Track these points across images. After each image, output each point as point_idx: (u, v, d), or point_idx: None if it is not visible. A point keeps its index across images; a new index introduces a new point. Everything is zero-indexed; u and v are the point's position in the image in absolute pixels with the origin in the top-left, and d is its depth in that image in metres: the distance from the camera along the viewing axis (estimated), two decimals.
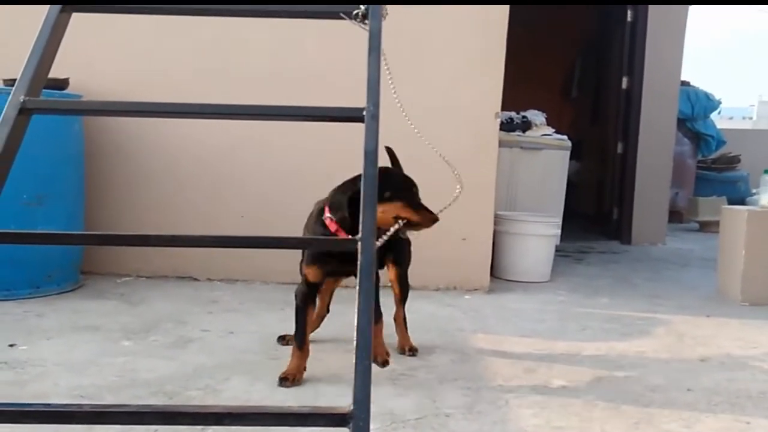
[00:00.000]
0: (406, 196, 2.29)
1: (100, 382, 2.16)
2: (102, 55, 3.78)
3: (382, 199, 2.17)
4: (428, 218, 2.28)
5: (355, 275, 1.33)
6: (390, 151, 2.72)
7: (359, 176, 2.21)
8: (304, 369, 2.27)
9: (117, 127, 3.79)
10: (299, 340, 2.29)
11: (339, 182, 2.92)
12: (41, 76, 1.58)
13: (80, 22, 1.88)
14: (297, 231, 2.76)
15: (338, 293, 2.84)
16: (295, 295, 2.34)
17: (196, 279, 3.78)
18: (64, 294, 3.34)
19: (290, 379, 2.22)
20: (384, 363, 2.41)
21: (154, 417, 1.26)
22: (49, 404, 1.38)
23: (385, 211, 2.20)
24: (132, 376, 2.22)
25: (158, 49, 3.79)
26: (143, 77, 3.77)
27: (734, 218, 3.89)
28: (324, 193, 2.88)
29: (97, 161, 3.74)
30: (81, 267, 3.60)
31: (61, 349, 2.48)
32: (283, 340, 2.68)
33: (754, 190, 8.44)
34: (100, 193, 3.78)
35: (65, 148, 3.40)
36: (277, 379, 2.21)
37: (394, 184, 2.29)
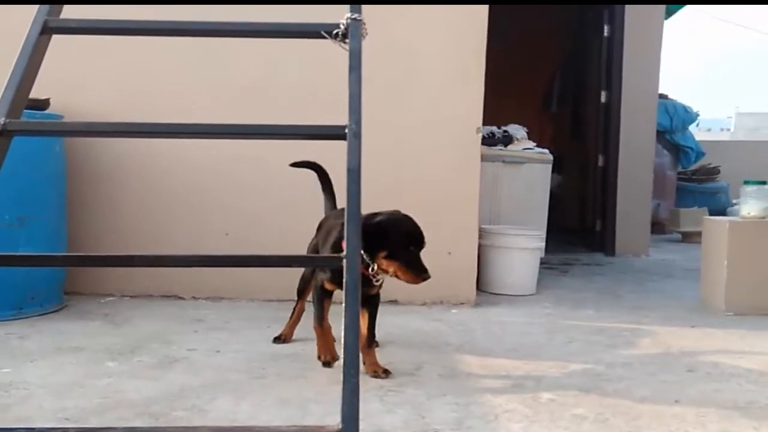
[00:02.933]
0: (403, 256, 2.40)
1: (85, 404, 2.13)
2: (83, 76, 3.77)
3: (380, 255, 2.36)
4: (418, 278, 2.40)
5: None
6: (317, 168, 2.88)
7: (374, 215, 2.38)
8: (334, 341, 2.55)
9: (99, 146, 3.77)
10: (320, 321, 2.54)
11: (323, 200, 2.95)
12: (22, 98, 1.58)
13: (61, 42, 1.88)
14: (282, 248, 2.76)
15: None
16: (313, 293, 2.61)
17: (181, 298, 3.75)
18: (48, 315, 3.30)
19: (330, 359, 2.52)
20: (385, 372, 2.49)
21: None
22: (33, 428, 1.36)
23: (381, 265, 2.38)
24: (117, 398, 2.19)
25: (140, 68, 3.79)
26: (125, 97, 3.76)
27: (716, 229, 3.93)
28: (309, 211, 2.90)
29: (79, 181, 3.72)
30: (64, 287, 3.56)
31: (44, 371, 2.45)
32: (278, 340, 2.91)
33: (734, 201, 8.54)
34: (83, 213, 3.75)
35: (46, 168, 3.37)
36: (269, 390, 2.20)
37: (395, 241, 2.39)
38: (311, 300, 2.65)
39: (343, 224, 2.46)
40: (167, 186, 3.80)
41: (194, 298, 3.75)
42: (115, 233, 3.79)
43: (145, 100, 3.75)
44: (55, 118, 3.37)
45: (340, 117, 1.56)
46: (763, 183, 3.93)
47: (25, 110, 1.60)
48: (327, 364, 2.51)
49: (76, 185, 3.69)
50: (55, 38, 1.71)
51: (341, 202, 2.81)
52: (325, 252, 2.54)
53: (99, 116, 3.61)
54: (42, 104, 3.38)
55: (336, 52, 1.73)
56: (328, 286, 2.54)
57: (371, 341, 2.56)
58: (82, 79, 3.77)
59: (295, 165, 2.90)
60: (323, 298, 2.56)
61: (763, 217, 3.87)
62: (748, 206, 3.89)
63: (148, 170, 3.80)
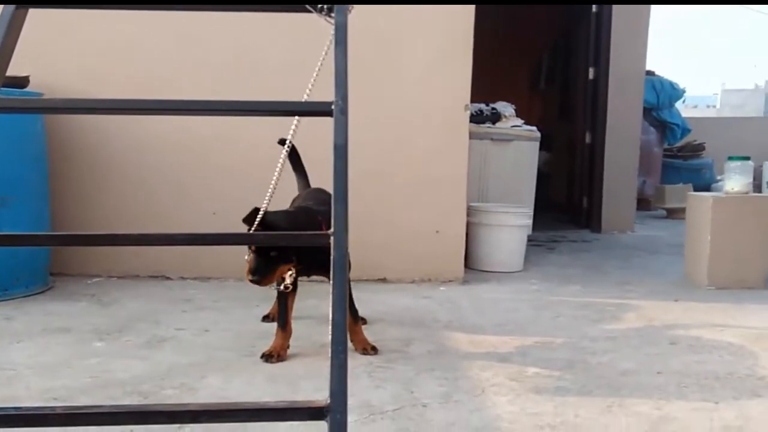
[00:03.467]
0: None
1: (73, 384, 2.13)
2: (63, 52, 3.72)
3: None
4: None
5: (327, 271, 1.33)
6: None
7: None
8: (288, 347, 2.44)
9: (81, 125, 3.74)
10: (282, 322, 2.46)
11: (310, 176, 2.93)
12: None
13: (39, 17, 1.85)
14: None
15: (313, 288, 2.84)
16: (277, 283, 2.49)
17: (168, 278, 3.75)
18: (33, 296, 3.29)
19: (275, 355, 2.38)
20: (373, 349, 2.50)
21: (129, 417, 1.25)
22: (20, 407, 1.36)
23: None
24: (105, 377, 2.20)
25: (121, 44, 3.74)
26: (106, 74, 3.72)
27: (700, 205, 3.96)
28: (295, 189, 2.87)
29: (62, 160, 3.69)
30: (50, 268, 3.54)
31: (31, 352, 2.45)
32: (267, 318, 2.89)
33: (718, 177, 8.59)
34: (67, 192, 3.73)
35: (27, 147, 3.34)
36: (259, 367, 2.21)
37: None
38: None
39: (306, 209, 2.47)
40: (152, 165, 3.78)
41: (182, 278, 3.75)
42: (100, 213, 3.76)
43: (127, 76, 3.71)
44: (35, 95, 3.33)
45: (326, 95, 1.55)
46: (747, 159, 3.96)
47: (3, 88, 1.57)
48: (268, 357, 2.38)
49: (59, 165, 3.66)
50: (33, 13, 1.68)
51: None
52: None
53: (80, 94, 3.57)
54: (21, 81, 3.34)
55: (322, 27, 1.71)
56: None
57: (355, 318, 2.56)
58: (62, 57, 3.72)
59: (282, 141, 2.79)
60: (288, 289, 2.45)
61: (746, 193, 3.91)
62: (732, 182, 3.92)
63: (131, 149, 3.77)
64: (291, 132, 1.90)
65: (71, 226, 3.67)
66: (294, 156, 2.83)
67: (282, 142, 2.79)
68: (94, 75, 3.72)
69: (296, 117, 1.75)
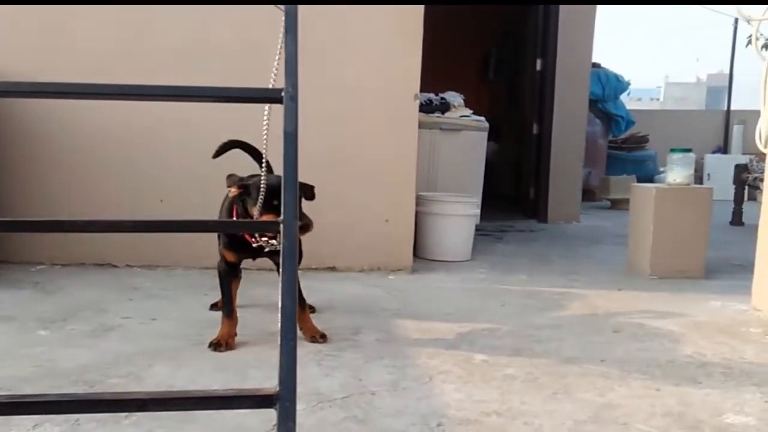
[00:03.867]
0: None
1: (17, 373, 2.09)
2: (9, 34, 3.61)
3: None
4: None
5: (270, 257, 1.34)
6: (240, 145, 2.71)
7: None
8: (235, 335, 2.43)
9: (26, 108, 3.64)
10: (227, 310, 2.46)
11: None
12: None
13: None
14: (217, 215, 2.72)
15: (262, 277, 2.84)
16: (218, 271, 2.51)
17: (115, 266, 3.69)
18: None
19: (223, 344, 2.37)
20: (323, 337, 2.51)
21: (75, 405, 1.24)
22: None
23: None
24: (50, 366, 2.16)
25: (71, 27, 3.65)
26: (54, 56, 3.63)
27: (643, 195, 4.06)
28: (245, 173, 2.84)
29: (6, 145, 3.59)
30: None
31: None
32: (215, 307, 2.84)
33: (661, 169, 8.82)
34: (10, 179, 3.63)
35: None
36: (207, 356, 2.20)
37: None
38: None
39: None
40: (99, 152, 3.71)
41: (129, 266, 3.69)
42: (45, 200, 3.68)
43: (76, 60, 3.63)
44: None
45: (278, 83, 1.55)
46: (688, 151, 4.07)
47: None
48: (216, 347, 2.36)
49: (2, 150, 3.56)
50: None
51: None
52: (223, 218, 2.51)
53: (27, 77, 3.47)
54: None
55: (272, 14, 1.71)
56: (229, 256, 2.48)
57: (303, 305, 2.56)
58: (7, 39, 3.61)
59: (217, 154, 2.67)
60: (229, 275, 2.48)
61: (688, 184, 4.02)
62: (674, 173, 4.03)
63: (79, 134, 3.69)
64: (265, 119, 1.82)
65: (14, 212, 3.58)
66: (251, 150, 2.74)
67: (225, 148, 2.71)
68: (41, 57, 3.62)
69: (267, 105, 1.72)
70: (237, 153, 2.69)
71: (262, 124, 1.59)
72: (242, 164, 2.64)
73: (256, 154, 2.71)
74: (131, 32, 3.68)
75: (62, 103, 3.55)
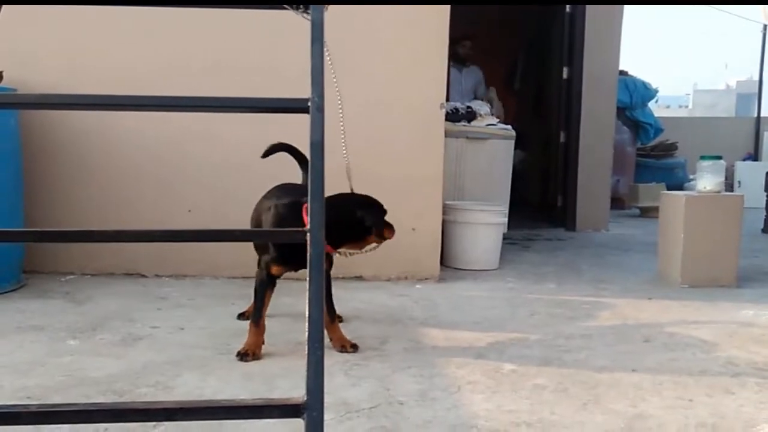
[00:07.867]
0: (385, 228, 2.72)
1: (47, 382, 2.11)
2: (40, 49, 3.67)
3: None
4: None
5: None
6: (287, 148, 2.75)
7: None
8: (262, 343, 2.43)
9: (57, 121, 3.70)
10: (256, 318, 2.46)
11: (287, 174, 2.91)
12: None
13: (13, 13, 1.82)
14: (246, 225, 2.74)
15: (290, 286, 2.83)
16: (257, 280, 2.52)
17: (143, 275, 3.72)
18: (7, 294, 3.25)
19: (250, 353, 2.37)
20: (353, 346, 2.51)
21: (103, 415, 1.24)
22: None
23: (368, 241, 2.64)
24: (80, 376, 2.18)
25: (100, 42, 3.70)
26: (83, 70, 3.68)
27: (673, 203, 4.01)
28: (271, 185, 2.85)
29: (37, 157, 3.64)
30: (23, 266, 3.50)
31: (4, 350, 2.42)
32: (242, 316, 2.87)
33: (691, 176, 8.71)
34: (41, 190, 3.68)
35: (1, 143, 3.29)
36: (235, 365, 2.20)
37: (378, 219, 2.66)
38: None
39: (275, 205, 2.50)
40: (128, 163, 3.75)
41: (157, 275, 3.72)
42: (74, 210, 3.72)
43: (105, 73, 3.67)
44: (8, 91, 3.28)
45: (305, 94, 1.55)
46: (719, 158, 4.01)
47: None
48: (243, 357, 2.36)
49: (33, 161, 3.62)
50: (7, 10, 1.66)
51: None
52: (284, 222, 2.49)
53: (57, 91, 3.52)
54: None
55: (299, 24, 1.71)
56: (274, 270, 2.48)
57: (333, 316, 2.57)
58: (38, 53, 3.68)
59: (266, 154, 2.70)
60: (267, 286, 2.49)
61: (719, 192, 3.96)
62: (704, 181, 3.97)
63: (107, 147, 3.74)
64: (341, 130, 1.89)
65: (45, 223, 3.63)
66: (298, 155, 2.76)
67: (274, 150, 2.74)
68: (70, 72, 3.68)
69: (341, 114, 1.77)
70: (259, 170, 2.71)
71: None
72: (264, 178, 2.66)
73: (301, 159, 2.75)
74: (160, 49, 3.72)
75: (91, 116, 3.60)
